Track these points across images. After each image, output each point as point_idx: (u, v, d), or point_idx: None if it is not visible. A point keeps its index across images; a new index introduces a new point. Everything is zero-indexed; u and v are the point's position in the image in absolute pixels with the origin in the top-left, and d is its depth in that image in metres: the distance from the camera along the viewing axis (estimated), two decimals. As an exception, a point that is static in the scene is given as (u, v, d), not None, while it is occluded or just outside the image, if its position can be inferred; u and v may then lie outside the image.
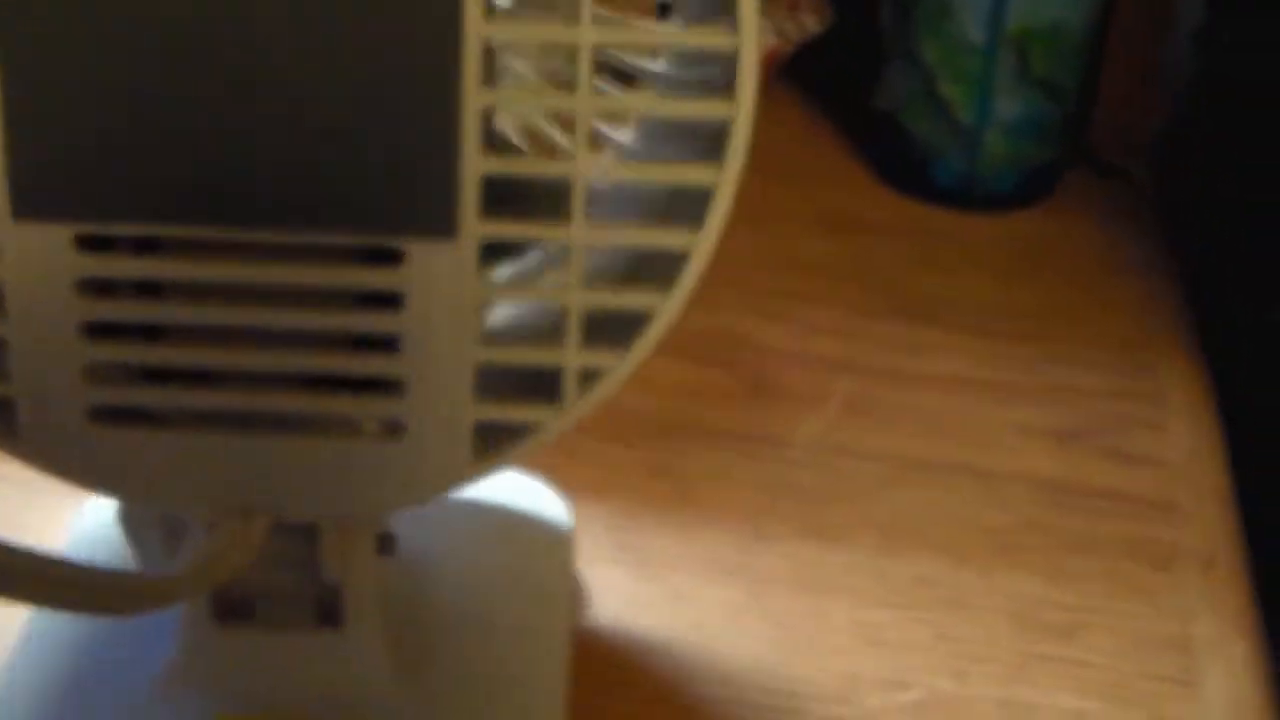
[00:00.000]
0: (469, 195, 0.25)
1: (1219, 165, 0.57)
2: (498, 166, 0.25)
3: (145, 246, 0.27)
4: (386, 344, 0.27)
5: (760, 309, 0.46)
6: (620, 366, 0.27)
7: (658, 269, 0.26)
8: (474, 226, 0.26)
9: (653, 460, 0.41)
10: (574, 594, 0.35)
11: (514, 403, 0.27)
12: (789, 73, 0.58)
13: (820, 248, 0.49)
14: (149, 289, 0.27)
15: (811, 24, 0.58)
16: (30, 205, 0.25)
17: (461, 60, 0.24)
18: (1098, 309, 0.49)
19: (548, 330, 0.27)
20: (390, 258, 0.26)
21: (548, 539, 0.35)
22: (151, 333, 0.27)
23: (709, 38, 0.25)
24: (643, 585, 0.37)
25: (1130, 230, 0.53)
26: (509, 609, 0.34)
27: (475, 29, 0.24)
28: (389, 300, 0.26)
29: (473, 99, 0.25)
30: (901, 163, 0.56)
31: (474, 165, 0.25)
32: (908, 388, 0.44)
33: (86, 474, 0.28)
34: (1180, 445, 0.43)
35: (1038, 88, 0.53)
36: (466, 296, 0.26)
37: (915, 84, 0.54)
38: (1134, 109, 0.56)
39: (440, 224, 0.26)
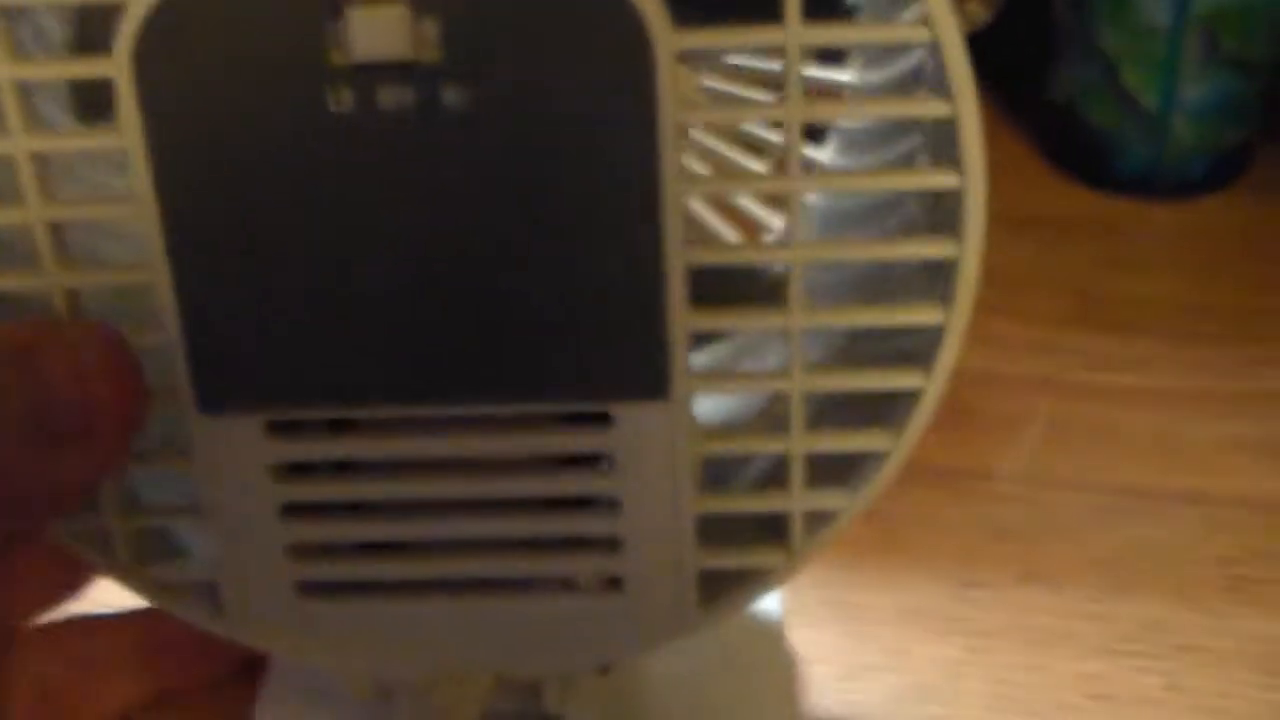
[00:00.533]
0: (679, 355, 0.24)
1: None
2: (704, 324, 0.24)
3: (339, 424, 0.25)
4: (599, 502, 0.25)
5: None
6: (851, 506, 0.25)
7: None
8: (685, 385, 0.24)
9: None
10: (790, 676, 0.34)
11: (739, 548, 0.26)
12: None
13: (1003, 250, 0.46)
14: (347, 465, 0.26)
15: (979, 14, 0.54)
16: (217, 399, 0.24)
17: (663, 220, 0.23)
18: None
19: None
20: (597, 420, 0.24)
21: (760, 623, 0.34)
22: (354, 505, 0.26)
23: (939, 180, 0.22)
24: (856, 645, 0.36)
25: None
26: (725, 701, 0.33)
27: (674, 189, 0.22)
28: (598, 460, 0.25)
29: (677, 258, 0.23)
30: (1081, 154, 0.53)
31: (682, 324, 0.23)
32: (1110, 405, 0.42)
33: (297, 647, 0.27)
34: None
35: (1228, 67, 0.50)
36: (681, 452, 0.25)
37: (1093, 73, 0.51)
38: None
39: (651, 387, 0.24)
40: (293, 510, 0.25)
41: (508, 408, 0.24)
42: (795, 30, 0.21)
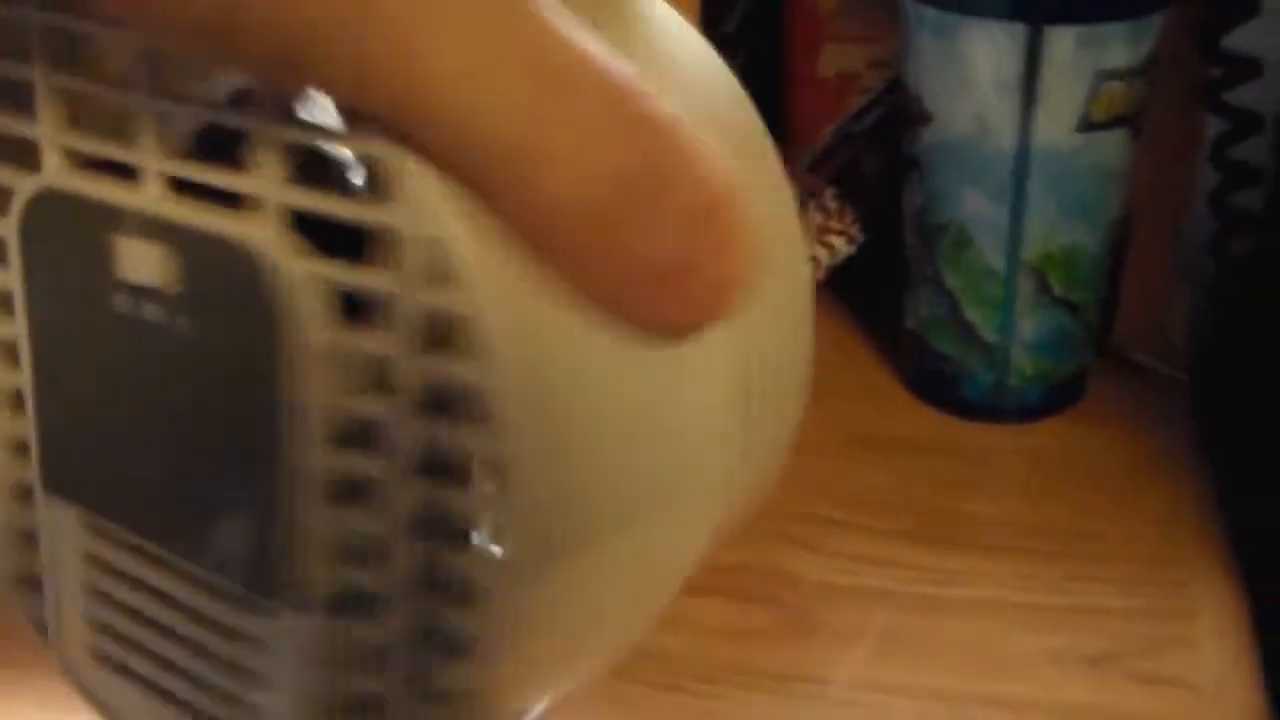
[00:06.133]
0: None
1: (1254, 367, 0.54)
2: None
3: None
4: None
5: (795, 539, 0.47)
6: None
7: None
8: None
9: (697, 706, 0.42)
10: None
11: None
12: (821, 292, 0.59)
13: (855, 471, 0.50)
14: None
15: (841, 246, 0.58)
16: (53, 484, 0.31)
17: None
18: (1127, 523, 0.48)
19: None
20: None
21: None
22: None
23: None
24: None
25: (1161, 433, 0.52)
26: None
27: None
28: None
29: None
30: (932, 380, 0.58)
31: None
32: (941, 616, 0.45)
33: (93, 704, 0.33)
34: (1212, 666, 0.42)
35: (1059, 306, 0.54)
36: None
37: (940, 307, 0.55)
38: (1160, 310, 0.54)
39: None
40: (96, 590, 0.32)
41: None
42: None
